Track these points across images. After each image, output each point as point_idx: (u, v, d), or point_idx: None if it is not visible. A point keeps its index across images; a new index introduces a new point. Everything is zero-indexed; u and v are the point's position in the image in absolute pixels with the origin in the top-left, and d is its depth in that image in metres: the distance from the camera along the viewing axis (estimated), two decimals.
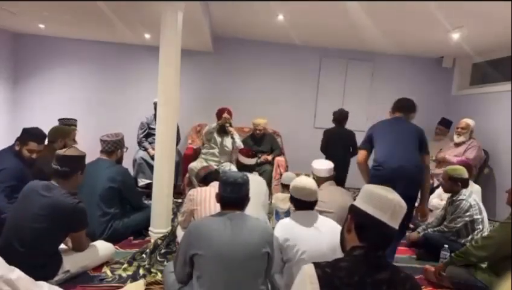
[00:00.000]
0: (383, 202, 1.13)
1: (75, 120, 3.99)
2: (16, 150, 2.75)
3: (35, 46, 4.98)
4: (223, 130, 4.17)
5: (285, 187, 3.38)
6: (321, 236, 1.88)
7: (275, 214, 3.20)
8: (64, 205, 2.08)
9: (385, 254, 1.15)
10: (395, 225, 1.13)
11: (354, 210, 1.20)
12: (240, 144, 4.17)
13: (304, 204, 2.01)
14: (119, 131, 3.24)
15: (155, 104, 4.23)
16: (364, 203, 1.16)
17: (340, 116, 4.21)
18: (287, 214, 3.09)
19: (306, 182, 2.04)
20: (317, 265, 1.08)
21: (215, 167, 3.82)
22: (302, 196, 1.99)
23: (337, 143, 4.13)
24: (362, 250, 1.12)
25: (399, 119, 2.73)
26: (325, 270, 1.06)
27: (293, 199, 2.06)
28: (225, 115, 4.16)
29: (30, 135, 2.78)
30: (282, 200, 3.21)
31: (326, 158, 3.49)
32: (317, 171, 2.95)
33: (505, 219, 2.30)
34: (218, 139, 4.20)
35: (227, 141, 4.23)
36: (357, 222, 1.17)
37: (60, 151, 2.23)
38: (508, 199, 2.47)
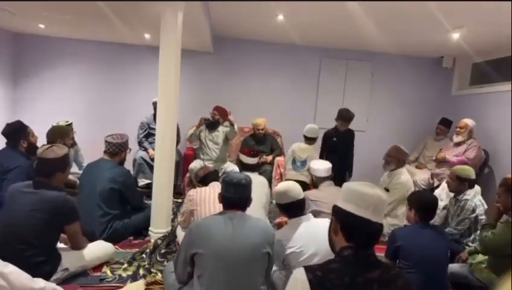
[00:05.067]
0: (363, 198, 1.13)
1: (70, 123, 3.98)
2: (24, 147, 2.82)
3: (35, 46, 4.98)
4: (211, 127, 4.25)
5: (307, 140, 3.31)
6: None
7: (292, 163, 3.11)
8: (54, 198, 2.11)
9: (374, 251, 1.14)
10: (379, 219, 1.13)
11: (337, 211, 1.18)
12: (232, 133, 4.23)
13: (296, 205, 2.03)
14: (119, 131, 3.23)
15: (154, 104, 4.24)
16: (346, 202, 1.15)
17: None
18: (304, 163, 3.03)
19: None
20: (308, 269, 1.07)
21: (210, 165, 3.83)
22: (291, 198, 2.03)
23: None
24: (351, 250, 1.12)
25: None
26: (316, 274, 1.05)
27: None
28: (212, 111, 4.29)
29: (22, 126, 3.02)
30: (302, 150, 3.15)
31: None
32: (315, 171, 2.95)
33: (505, 220, 2.30)
34: (203, 134, 4.28)
35: (218, 137, 4.28)
36: (342, 223, 1.16)
37: (39, 153, 2.17)
38: (496, 211, 2.47)
